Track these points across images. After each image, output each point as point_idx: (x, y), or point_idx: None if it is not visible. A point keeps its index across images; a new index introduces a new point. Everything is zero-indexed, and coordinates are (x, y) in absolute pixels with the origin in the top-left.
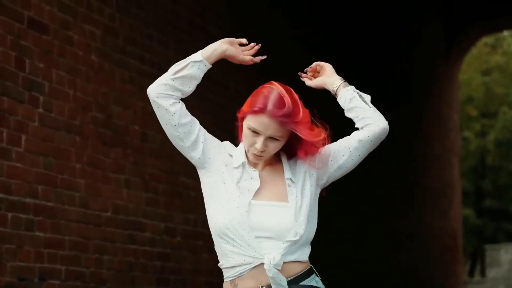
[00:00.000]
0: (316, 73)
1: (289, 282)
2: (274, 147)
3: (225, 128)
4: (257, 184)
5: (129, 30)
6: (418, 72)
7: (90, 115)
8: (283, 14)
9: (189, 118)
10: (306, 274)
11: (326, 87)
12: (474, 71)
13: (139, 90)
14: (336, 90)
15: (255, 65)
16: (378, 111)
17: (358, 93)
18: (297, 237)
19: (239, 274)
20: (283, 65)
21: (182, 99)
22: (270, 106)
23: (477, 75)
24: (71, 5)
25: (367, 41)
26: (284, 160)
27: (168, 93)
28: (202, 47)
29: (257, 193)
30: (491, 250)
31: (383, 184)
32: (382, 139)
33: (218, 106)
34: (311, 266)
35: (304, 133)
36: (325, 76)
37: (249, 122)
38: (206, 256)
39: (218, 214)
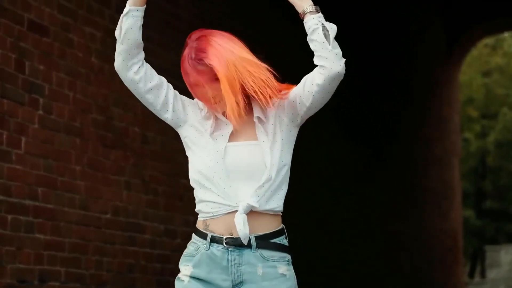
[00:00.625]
0: None
1: (257, 238)
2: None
3: None
4: (230, 128)
5: None
6: (419, 73)
7: (90, 117)
8: (284, 14)
9: (155, 81)
10: (276, 234)
11: (296, 8)
12: (474, 72)
13: None
14: (304, 15)
15: None
16: (337, 50)
17: (323, 24)
18: (270, 175)
19: (212, 216)
20: (284, 66)
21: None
22: (186, 59)
23: (477, 76)
24: (71, 7)
25: (367, 42)
26: (254, 102)
27: (127, 61)
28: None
29: (231, 136)
30: (491, 251)
31: (385, 186)
32: (340, 80)
33: None
34: (283, 227)
35: (212, 63)
36: None
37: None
38: None
39: (195, 163)
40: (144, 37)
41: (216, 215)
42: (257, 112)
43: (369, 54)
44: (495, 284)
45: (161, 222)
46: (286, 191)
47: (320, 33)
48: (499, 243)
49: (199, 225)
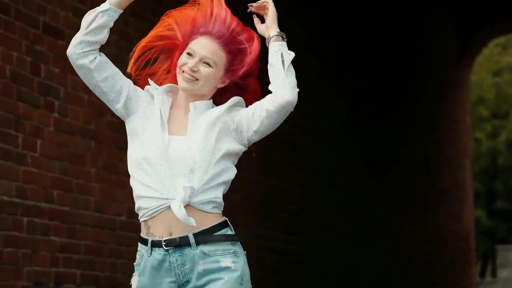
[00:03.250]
0: (262, 10)
1: (195, 235)
2: (206, 73)
3: None
4: (165, 116)
5: (143, 35)
6: (432, 75)
7: (105, 120)
8: (295, 18)
9: (110, 71)
10: (217, 227)
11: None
12: (485, 72)
13: None
14: (268, 41)
15: (264, 68)
16: (290, 79)
17: (282, 52)
18: (203, 165)
19: (151, 215)
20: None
21: (101, 50)
22: (209, 22)
23: (488, 76)
24: (86, 10)
25: (381, 45)
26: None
27: (85, 50)
28: None
29: (172, 126)
30: (502, 251)
31: (397, 187)
32: (290, 110)
33: None
34: (225, 219)
35: (247, 60)
36: (264, 25)
37: (189, 45)
38: None
39: (135, 152)
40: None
41: (156, 211)
42: (194, 108)
43: (379, 56)
44: (506, 283)
45: None
46: (228, 179)
47: (278, 60)
48: (510, 243)
49: (142, 229)
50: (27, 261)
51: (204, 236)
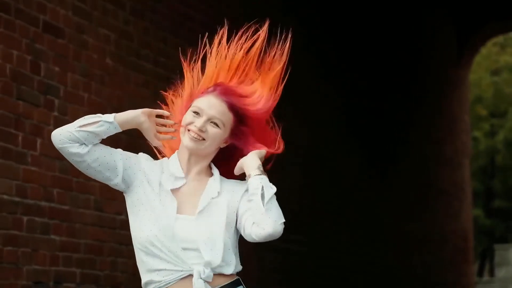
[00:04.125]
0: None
1: None
2: (213, 134)
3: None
4: (175, 201)
5: (143, 33)
6: (431, 74)
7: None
8: (294, 18)
9: (99, 150)
10: (232, 285)
11: (240, 170)
12: (483, 71)
13: (154, 93)
14: (249, 177)
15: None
16: (271, 213)
17: (262, 185)
18: (211, 245)
19: (165, 285)
20: (295, 69)
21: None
22: (216, 81)
23: (486, 75)
24: (86, 9)
25: (380, 45)
26: (215, 172)
27: (70, 142)
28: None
29: (180, 207)
30: (500, 250)
31: (396, 187)
32: (275, 238)
33: None
34: (238, 279)
35: (254, 124)
36: (244, 164)
37: (194, 104)
38: None
39: (143, 227)
40: (159, 38)
41: (170, 282)
42: (213, 186)
43: (379, 56)
44: (504, 283)
45: None
46: (234, 240)
47: (258, 196)
48: (508, 242)
49: None
50: (27, 260)
51: None
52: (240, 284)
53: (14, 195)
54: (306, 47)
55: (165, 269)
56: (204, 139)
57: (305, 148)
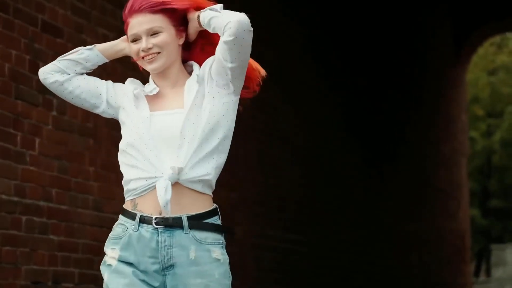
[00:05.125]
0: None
1: (189, 218)
2: (161, 41)
3: None
4: (154, 92)
5: None
6: (428, 74)
7: (104, 118)
8: (295, 19)
9: (80, 80)
10: (210, 214)
11: (198, 29)
12: (480, 71)
13: None
14: (198, 21)
15: (266, 68)
16: (228, 12)
17: (210, 9)
18: (191, 139)
19: (140, 192)
20: (294, 69)
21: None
22: (128, 6)
23: (483, 75)
24: (85, 8)
25: (376, 44)
26: (195, 68)
27: (52, 72)
28: None
29: (157, 105)
30: (497, 250)
31: (395, 187)
32: (247, 30)
33: None
34: (216, 207)
35: (177, 3)
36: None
37: (128, 34)
38: None
39: (123, 138)
40: None
41: (145, 190)
42: (189, 80)
43: (378, 56)
44: (500, 283)
45: None
46: (220, 162)
47: (210, 12)
48: (504, 242)
49: (127, 205)
50: (26, 260)
51: (198, 222)
52: (217, 214)
53: (13, 195)
54: (305, 47)
55: (139, 177)
56: (158, 52)
57: (304, 148)
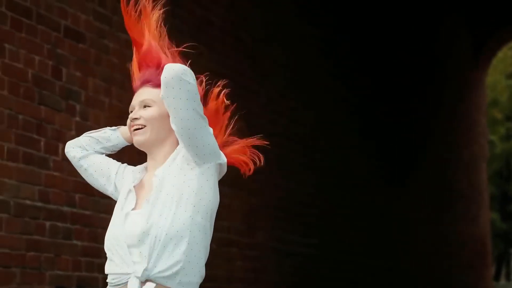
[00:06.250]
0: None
1: None
2: (148, 114)
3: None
4: (136, 183)
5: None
6: (448, 79)
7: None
8: (312, 23)
9: (96, 159)
10: None
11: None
12: (499, 74)
13: None
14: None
15: (283, 72)
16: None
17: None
18: (147, 238)
19: (115, 286)
20: (311, 73)
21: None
22: (136, 82)
23: (502, 78)
24: (107, 14)
25: (397, 49)
26: (174, 152)
27: (73, 147)
28: (235, 55)
29: (139, 196)
30: None
31: (416, 191)
32: (176, 78)
33: (250, 113)
34: None
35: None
36: None
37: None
38: (240, 264)
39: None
40: (178, 43)
41: (118, 285)
42: (159, 169)
43: (398, 61)
44: None
45: None
46: (194, 241)
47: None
48: None
49: None
50: (50, 265)
51: None
52: None
53: (37, 200)
54: (322, 52)
55: (114, 272)
56: (144, 126)
57: (320, 152)
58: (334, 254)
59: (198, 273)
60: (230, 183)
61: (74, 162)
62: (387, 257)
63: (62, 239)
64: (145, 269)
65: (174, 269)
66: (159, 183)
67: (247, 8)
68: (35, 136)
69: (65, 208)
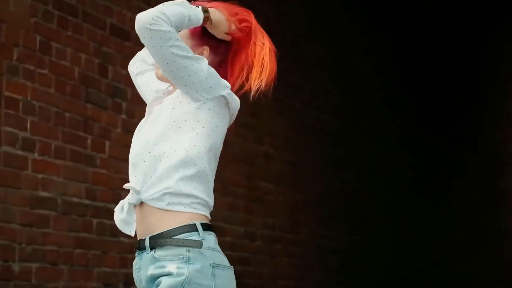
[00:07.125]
0: None
1: (151, 238)
2: None
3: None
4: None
5: None
6: (497, 74)
7: None
8: (353, 17)
9: (149, 83)
10: (179, 230)
11: (213, 30)
12: None
13: None
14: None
15: (328, 71)
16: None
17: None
18: (144, 160)
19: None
20: (355, 71)
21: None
22: None
23: None
24: None
25: (445, 49)
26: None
27: (136, 61)
28: (279, 51)
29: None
30: None
31: (463, 191)
32: (144, 28)
33: (294, 110)
34: (189, 223)
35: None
36: None
37: None
38: (285, 261)
39: None
40: None
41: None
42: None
43: (448, 62)
44: None
45: (240, 225)
46: (188, 174)
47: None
48: None
49: None
50: (97, 262)
51: (159, 240)
52: (190, 230)
53: (84, 198)
54: (365, 55)
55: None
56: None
57: (362, 151)
58: (377, 251)
59: (194, 196)
60: (275, 180)
61: (132, 77)
62: (430, 253)
63: (109, 237)
64: (137, 194)
65: (165, 192)
66: (159, 113)
67: (289, 4)
68: (82, 134)
69: (112, 206)
